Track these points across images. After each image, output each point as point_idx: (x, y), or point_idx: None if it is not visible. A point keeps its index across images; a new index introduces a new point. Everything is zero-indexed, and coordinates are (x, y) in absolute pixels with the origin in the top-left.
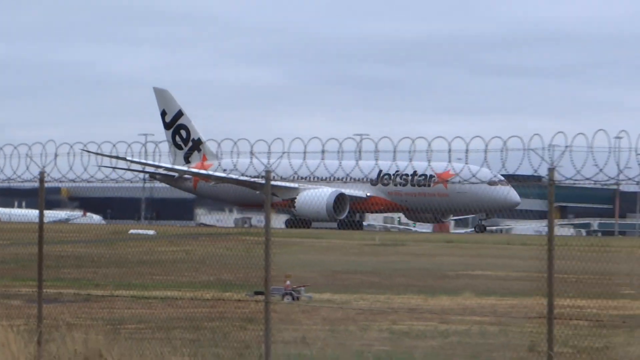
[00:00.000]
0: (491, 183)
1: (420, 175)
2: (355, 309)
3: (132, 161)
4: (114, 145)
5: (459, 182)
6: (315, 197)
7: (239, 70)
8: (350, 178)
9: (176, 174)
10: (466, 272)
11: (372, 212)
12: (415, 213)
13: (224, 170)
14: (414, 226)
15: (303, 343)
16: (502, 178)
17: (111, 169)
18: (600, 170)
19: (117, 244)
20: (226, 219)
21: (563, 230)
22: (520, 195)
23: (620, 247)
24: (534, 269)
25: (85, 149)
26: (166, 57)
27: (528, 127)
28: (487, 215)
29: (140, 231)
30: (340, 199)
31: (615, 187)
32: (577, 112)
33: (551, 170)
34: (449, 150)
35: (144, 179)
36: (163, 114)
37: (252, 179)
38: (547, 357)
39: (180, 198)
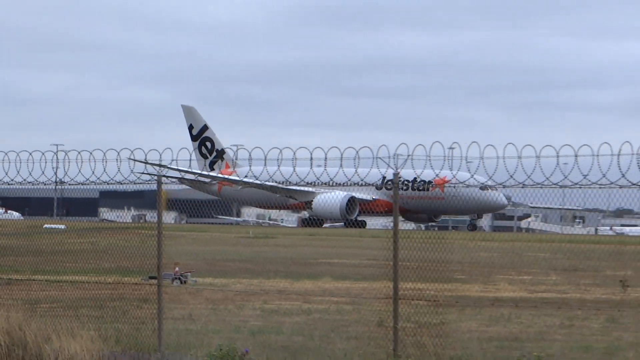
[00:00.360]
0: (482, 188)
1: (420, 181)
2: (233, 291)
3: (172, 168)
4: (140, 152)
5: (454, 186)
6: (330, 200)
7: (134, 90)
8: (362, 182)
9: (208, 180)
10: (325, 260)
11: (376, 214)
12: (414, 214)
13: (255, 177)
14: (282, 222)
15: (189, 319)
16: (492, 184)
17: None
18: (437, 175)
19: (34, 236)
20: (125, 215)
21: (406, 225)
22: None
23: (454, 240)
24: (382, 257)
25: (132, 157)
26: (75, 79)
27: (375, 139)
28: (478, 216)
29: (53, 225)
30: (351, 201)
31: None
32: (418, 127)
33: (396, 175)
34: (311, 159)
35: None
36: (190, 127)
37: (278, 185)
38: (393, 331)
39: (85, 198)
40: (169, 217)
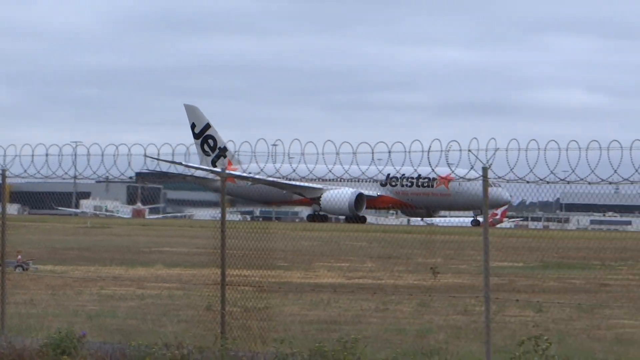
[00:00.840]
0: None
1: (424, 178)
2: (71, 278)
3: (189, 166)
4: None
5: (459, 180)
6: (339, 196)
7: None
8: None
9: (214, 176)
10: (157, 248)
11: (381, 209)
12: (418, 210)
13: (257, 174)
14: (117, 213)
15: (31, 304)
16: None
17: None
18: (262, 169)
19: None
20: None
21: (232, 216)
22: (199, 189)
23: (277, 229)
24: (210, 246)
25: (147, 154)
26: None
27: None
28: (481, 211)
29: None
30: (359, 197)
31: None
32: (246, 126)
33: (224, 170)
34: (145, 155)
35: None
36: (192, 126)
37: (288, 182)
38: (220, 315)
39: None
40: (12, 208)
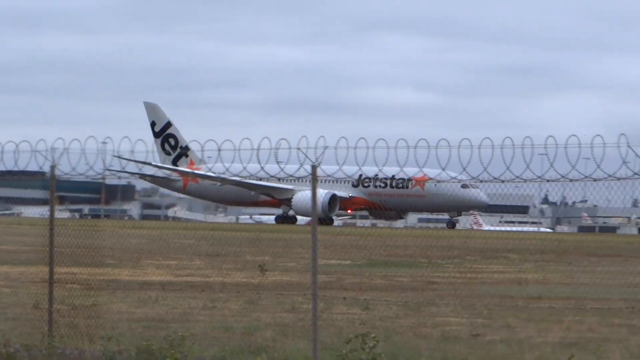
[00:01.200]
0: (463, 186)
1: (399, 179)
2: None
3: (157, 166)
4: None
5: (435, 184)
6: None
7: None
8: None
9: (172, 175)
10: None
11: (353, 211)
12: (383, 211)
13: (222, 174)
14: None
15: None
16: (472, 182)
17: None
18: (227, 169)
19: None
20: None
21: (61, 214)
22: (26, 187)
23: (106, 227)
24: (39, 243)
25: (118, 155)
26: None
27: (34, 134)
28: (458, 213)
29: None
30: (333, 199)
31: (102, 180)
32: (76, 124)
33: (52, 167)
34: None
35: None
36: (152, 124)
37: (257, 182)
38: (47, 313)
39: None
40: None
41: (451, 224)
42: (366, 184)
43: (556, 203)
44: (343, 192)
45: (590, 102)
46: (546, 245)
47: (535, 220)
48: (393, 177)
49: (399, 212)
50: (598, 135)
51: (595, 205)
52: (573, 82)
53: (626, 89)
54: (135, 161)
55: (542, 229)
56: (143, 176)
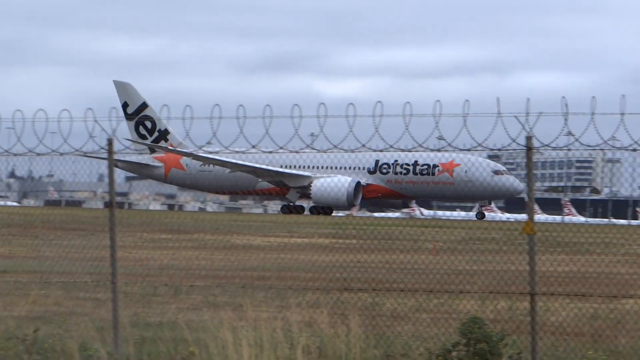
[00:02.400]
0: (496, 172)
1: (423, 165)
2: None
3: (143, 143)
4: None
5: (466, 171)
6: (334, 185)
7: None
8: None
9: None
10: None
11: (370, 199)
12: (419, 201)
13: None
14: None
15: None
16: (505, 169)
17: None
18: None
19: None
20: None
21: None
22: None
23: None
24: None
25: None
26: None
27: None
28: (489, 202)
29: None
30: (357, 186)
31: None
32: None
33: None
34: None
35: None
36: (125, 105)
37: (267, 167)
38: None
39: None
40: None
41: (481, 215)
42: (384, 170)
43: (23, 177)
44: (360, 179)
45: (58, 76)
46: (13, 219)
47: (2, 194)
48: (416, 162)
49: (405, 202)
50: (65, 109)
51: (61, 180)
52: (39, 57)
53: (91, 64)
54: (143, 143)
55: (9, 203)
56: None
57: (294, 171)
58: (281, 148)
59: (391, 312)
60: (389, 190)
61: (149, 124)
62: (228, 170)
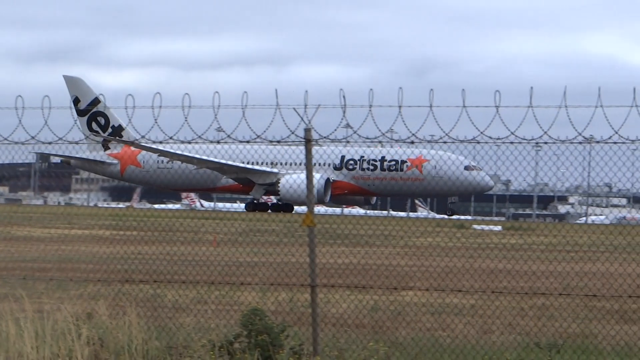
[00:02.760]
0: (467, 168)
1: (391, 161)
2: None
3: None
4: None
5: (435, 167)
6: (302, 181)
7: None
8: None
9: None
10: None
11: (336, 196)
12: (384, 197)
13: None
14: None
15: None
16: (476, 164)
17: None
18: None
19: None
20: None
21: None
22: None
23: None
24: None
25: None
26: None
27: None
28: (459, 199)
29: None
30: (327, 183)
31: None
32: None
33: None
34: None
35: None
36: (76, 101)
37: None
38: None
39: None
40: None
41: (450, 212)
42: (350, 166)
43: None
44: (327, 175)
45: None
46: None
47: None
48: (383, 158)
49: (367, 198)
50: None
51: None
52: None
53: None
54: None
55: None
56: (67, 159)
57: (261, 167)
58: (60, 139)
59: (173, 304)
60: (357, 187)
61: (101, 120)
62: (193, 166)
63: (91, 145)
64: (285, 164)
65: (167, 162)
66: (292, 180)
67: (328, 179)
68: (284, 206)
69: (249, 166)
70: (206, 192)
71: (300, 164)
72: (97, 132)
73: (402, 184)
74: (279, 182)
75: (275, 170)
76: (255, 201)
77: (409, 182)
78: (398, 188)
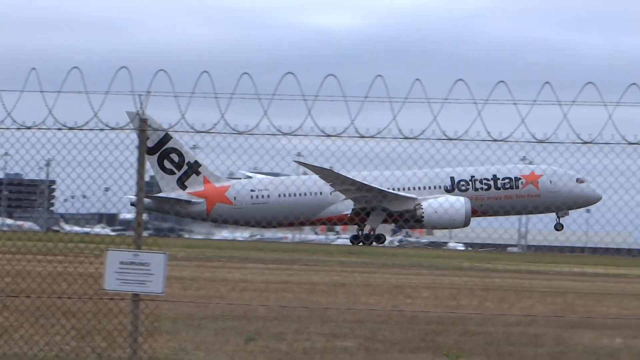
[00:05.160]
0: (579, 181)
1: (505, 179)
2: None
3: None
4: None
5: (550, 181)
6: (448, 206)
7: None
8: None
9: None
10: None
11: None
12: (496, 215)
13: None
14: None
15: None
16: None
17: None
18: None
19: None
20: None
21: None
22: None
23: None
24: None
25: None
26: None
27: None
28: (567, 212)
29: None
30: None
31: None
32: None
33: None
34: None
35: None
36: None
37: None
38: None
39: None
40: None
41: (560, 226)
42: (463, 187)
43: None
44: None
45: None
46: None
47: None
48: (495, 177)
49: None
50: None
51: None
52: None
53: None
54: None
55: None
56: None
57: (397, 192)
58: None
59: None
60: (473, 209)
61: (175, 157)
62: (292, 198)
63: (164, 186)
64: (392, 188)
65: (262, 197)
66: (436, 204)
67: (469, 202)
68: (376, 238)
69: (389, 190)
70: (306, 226)
71: (405, 188)
72: (170, 170)
73: (517, 202)
74: (417, 208)
75: (413, 195)
76: (362, 233)
77: (525, 199)
78: (517, 205)
